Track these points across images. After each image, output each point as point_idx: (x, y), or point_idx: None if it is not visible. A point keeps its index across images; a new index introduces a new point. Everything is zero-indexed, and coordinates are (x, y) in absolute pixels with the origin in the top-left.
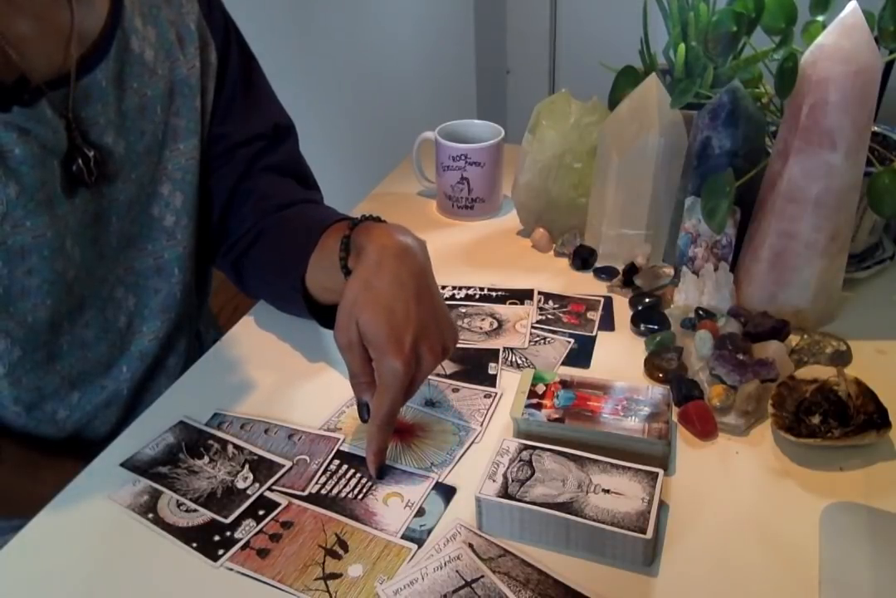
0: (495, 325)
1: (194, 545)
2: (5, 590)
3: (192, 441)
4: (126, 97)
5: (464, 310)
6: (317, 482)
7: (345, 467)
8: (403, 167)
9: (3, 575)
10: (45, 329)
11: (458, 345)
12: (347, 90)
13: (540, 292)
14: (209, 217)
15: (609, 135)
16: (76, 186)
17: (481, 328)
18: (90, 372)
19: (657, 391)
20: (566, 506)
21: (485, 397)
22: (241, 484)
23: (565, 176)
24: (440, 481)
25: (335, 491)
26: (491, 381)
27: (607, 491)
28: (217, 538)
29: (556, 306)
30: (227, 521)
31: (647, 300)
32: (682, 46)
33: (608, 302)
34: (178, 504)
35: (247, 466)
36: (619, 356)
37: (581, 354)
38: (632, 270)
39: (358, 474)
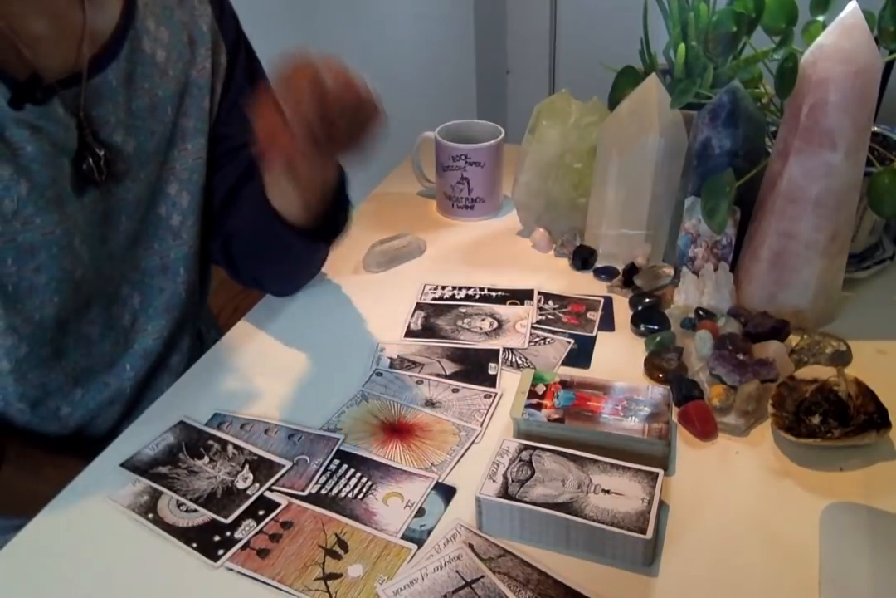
0: (495, 325)
1: (194, 545)
2: (5, 590)
3: (192, 441)
4: (137, 97)
5: (464, 310)
6: (317, 482)
7: (345, 467)
8: (403, 167)
9: (3, 575)
10: (52, 326)
11: (459, 345)
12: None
13: (540, 292)
14: (207, 214)
15: (609, 135)
16: (86, 185)
17: (481, 328)
18: (94, 369)
19: (657, 391)
20: (566, 506)
21: (485, 397)
22: (241, 484)
23: (565, 176)
24: (440, 481)
25: (335, 491)
26: (491, 381)
27: (607, 491)
28: (217, 538)
29: (556, 306)
30: (227, 521)
31: (647, 300)
32: (682, 46)
33: (608, 302)
34: (178, 504)
35: (247, 466)
36: (619, 356)
37: (581, 354)
38: (632, 270)
39: (358, 474)
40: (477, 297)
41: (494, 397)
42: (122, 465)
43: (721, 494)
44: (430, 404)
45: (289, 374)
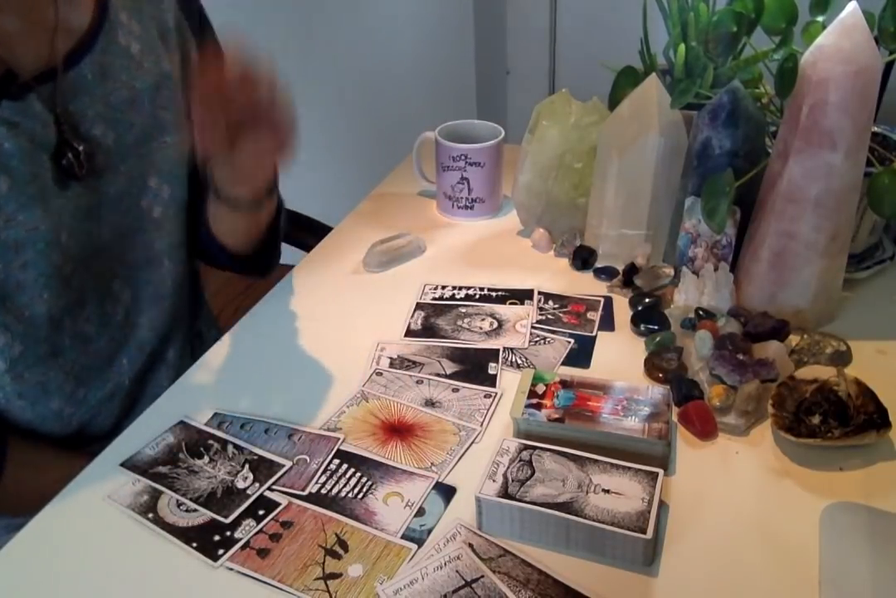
0: (495, 325)
1: (194, 544)
2: (5, 590)
3: (192, 441)
4: (115, 90)
5: (464, 310)
6: (317, 482)
7: (345, 466)
8: (403, 167)
9: (3, 575)
10: (45, 324)
11: (459, 345)
12: (348, 90)
13: (540, 292)
14: (192, 206)
15: (609, 135)
16: (68, 180)
17: (481, 328)
18: (92, 366)
19: (657, 391)
20: (566, 506)
21: (485, 397)
22: (241, 484)
23: (565, 176)
24: (440, 481)
25: (335, 491)
26: (491, 381)
27: (607, 491)
28: (217, 537)
29: (556, 306)
30: (227, 521)
31: (647, 300)
32: (682, 46)
33: (608, 302)
34: (178, 504)
35: (247, 466)
36: (619, 356)
37: (581, 354)
38: (632, 270)
39: (358, 474)
40: (477, 297)
41: (494, 397)
42: (122, 464)
43: (721, 494)
44: (430, 403)
45: (289, 374)
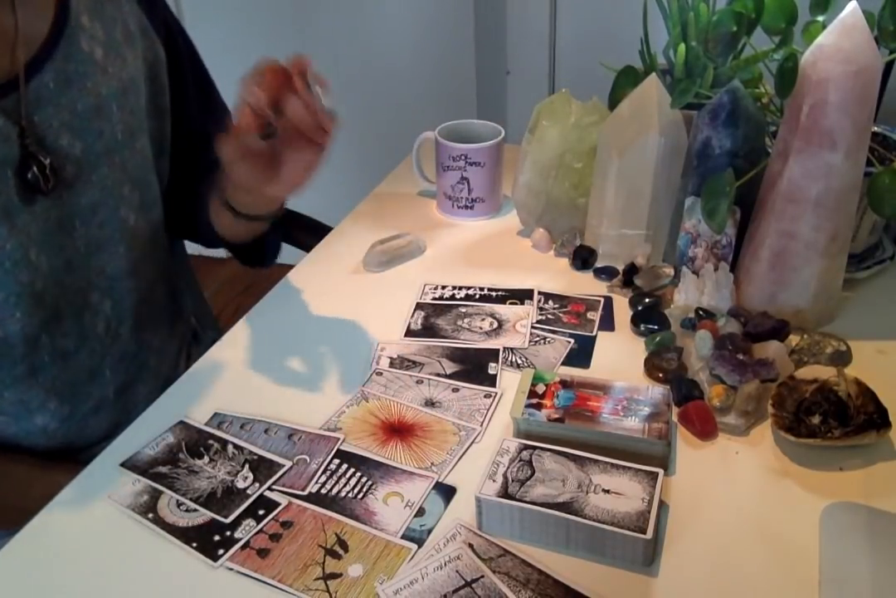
0: (495, 325)
1: (194, 544)
2: (5, 590)
3: (192, 441)
4: (81, 97)
5: (464, 310)
6: (317, 482)
7: (345, 466)
8: (403, 167)
9: (2, 575)
10: (21, 343)
11: (459, 345)
12: (348, 90)
13: (540, 292)
14: (174, 201)
15: (609, 135)
16: (33, 195)
17: (481, 328)
18: (74, 381)
19: (657, 391)
20: (566, 506)
21: (485, 397)
22: (241, 484)
23: (565, 176)
24: (440, 481)
25: (335, 491)
26: (491, 381)
27: (607, 491)
28: (217, 537)
29: (556, 305)
30: (227, 521)
31: (647, 300)
32: (682, 46)
33: (608, 302)
34: (178, 504)
35: (247, 466)
36: (619, 356)
37: (581, 354)
38: (632, 270)
39: (358, 474)
40: (477, 297)
41: (494, 397)
42: (122, 465)
43: (721, 494)
44: (430, 403)
45: (289, 374)
